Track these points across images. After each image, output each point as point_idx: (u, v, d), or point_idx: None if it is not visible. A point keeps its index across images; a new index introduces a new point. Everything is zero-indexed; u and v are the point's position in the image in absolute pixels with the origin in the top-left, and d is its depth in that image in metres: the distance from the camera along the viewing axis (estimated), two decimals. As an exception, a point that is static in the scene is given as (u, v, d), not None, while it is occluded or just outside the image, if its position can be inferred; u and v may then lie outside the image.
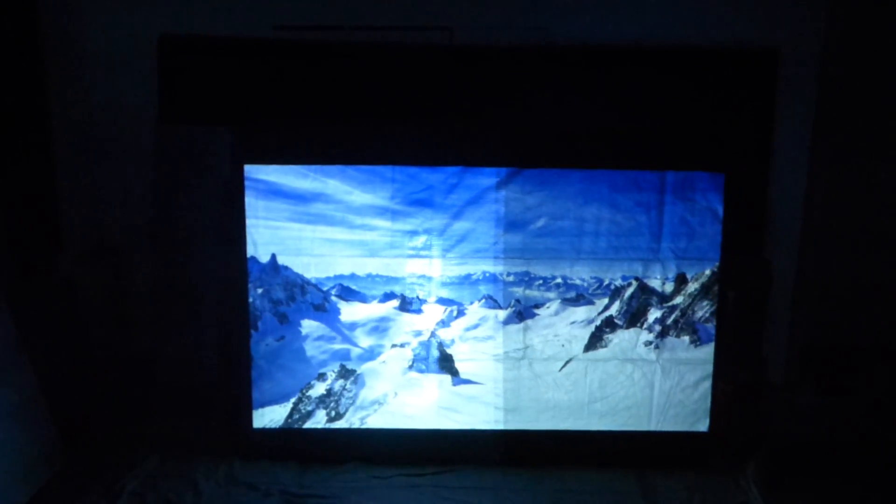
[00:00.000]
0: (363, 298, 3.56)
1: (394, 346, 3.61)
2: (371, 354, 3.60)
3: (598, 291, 3.55)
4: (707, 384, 3.56)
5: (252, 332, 3.49)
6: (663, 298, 3.54)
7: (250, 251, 3.45)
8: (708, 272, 3.48)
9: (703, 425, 3.61)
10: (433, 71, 3.50)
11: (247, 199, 3.41)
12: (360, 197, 3.45)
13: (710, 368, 3.54)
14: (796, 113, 3.51)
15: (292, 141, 3.49)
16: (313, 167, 3.41)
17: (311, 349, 3.56)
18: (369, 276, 3.53)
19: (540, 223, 3.49)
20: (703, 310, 3.52)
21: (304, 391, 3.57)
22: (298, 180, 3.41)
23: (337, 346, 3.58)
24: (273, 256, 3.48)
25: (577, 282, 3.54)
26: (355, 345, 3.59)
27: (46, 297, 3.43)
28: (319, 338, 3.58)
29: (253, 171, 3.40)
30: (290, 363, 3.56)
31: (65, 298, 3.52)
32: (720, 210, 3.44)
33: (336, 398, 3.59)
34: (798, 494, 3.32)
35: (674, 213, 3.46)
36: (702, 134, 3.51)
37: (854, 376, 3.57)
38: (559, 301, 3.56)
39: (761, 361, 3.67)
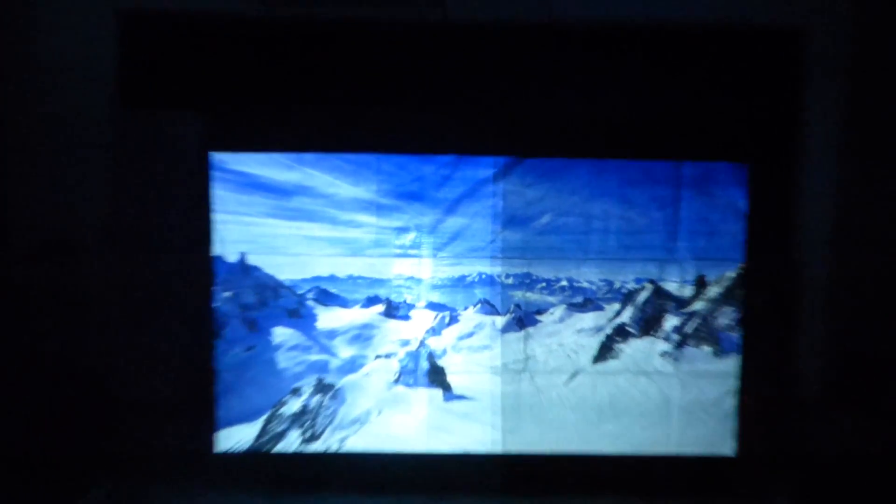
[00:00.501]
0: (344, 303, 3.28)
1: (378, 356, 3.32)
2: (352, 366, 3.31)
3: (608, 295, 3.30)
4: (731, 400, 3.35)
5: (217, 340, 3.25)
6: (681, 303, 3.30)
7: (217, 250, 3.24)
8: (731, 274, 3.27)
9: (727, 448, 3.39)
10: (424, 50, 3.27)
11: (215, 192, 3.21)
12: (341, 189, 3.23)
13: (734, 382, 3.34)
14: (827, 97, 3.29)
15: (266, 127, 3.29)
16: (290, 155, 3.22)
17: (284, 360, 3.27)
18: (351, 277, 3.26)
19: (542, 219, 3.29)
20: (726, 316, 3.29)
21: (275, 408, 3.27)
22: (273, 171, 3.20)
23: (313, 357, 3.29)
24: (242, 256, 3.23)
25: (585, 285, 3.29)
26: (334, 355, 3.30)
27: None
28: (294, 347, 3.29)
29: (222, 160, 3.21)
30: (260, 376, 3.27)
31: (8, 301, 3.30)
32: (743, 205, 3.28)
33: (312, 416, 3.28)
34: None
35: (692, 209, 3.30)
36: (723, 121, 3.34)
37: None
38: (564, 306, 3.32)
39: (794, 374, 3.43)
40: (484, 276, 3.28)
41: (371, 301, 3.27)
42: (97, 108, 3.26)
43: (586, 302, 3.29)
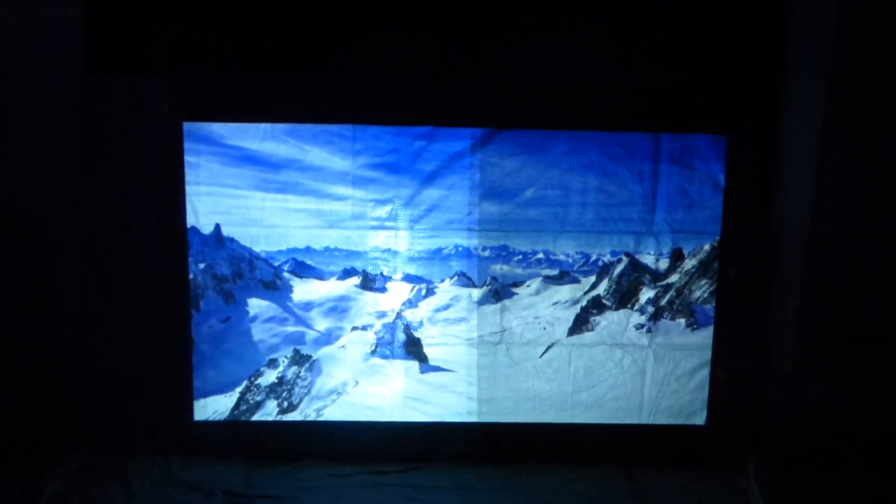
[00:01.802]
0: (320, 275, 3.33)
1: (354, 328, 3.40)
2: (328, 338, 3.39)
3: (585, 268, 3.38)
4: (705, 372, 3.48)
5: (193, 312, 3.32)
6: (657, 276, 3.39)
7: (191, 221, 3.29)
8: (707, 247, 3.35)
9: (699, 418, 3.53)
10: (399, 13, 3.28)
11: (186, 162, 3.24)
12: (317, 160, 3.25)
13: (708, 355, 3.46)
14: (809, 66, 3.31)
15: (238, 95, 3.30)
16: (262, 126, 3.23)
17: (259, 332, 3.35)
18: (327, 249, 3.30)
19: (520, 191, 3.34)
20: (701, 289, 3.39)
21: (252, 379, 3.36)
22: (247, 141, 3.21)
23: (290, 329, 3.37)
24: (217, 227, 3.28)
25: (561, 257, 3.36)
26: (310, 327, 3.37)
27: None
28: (270, 319, 3.36)
29: (194, 129, 3.23)
30: (237, 348, 3.36)
31: None
32: (722, 178, 3.35)
33: (289, 387, 3.37)
34: (805, 494, 3.25)
35: (670, 182, 3.36)
36: (702, 91, 3.37)
37: (869, 363, 3.44)
38: (540, 279, 3.39)
39: (766, 347, 3.57)
40: (461, 249, 3.33)
41: (347, 273, 3.32)
42: (64, 77, 3.25)
43: (563, 275, 3.36)
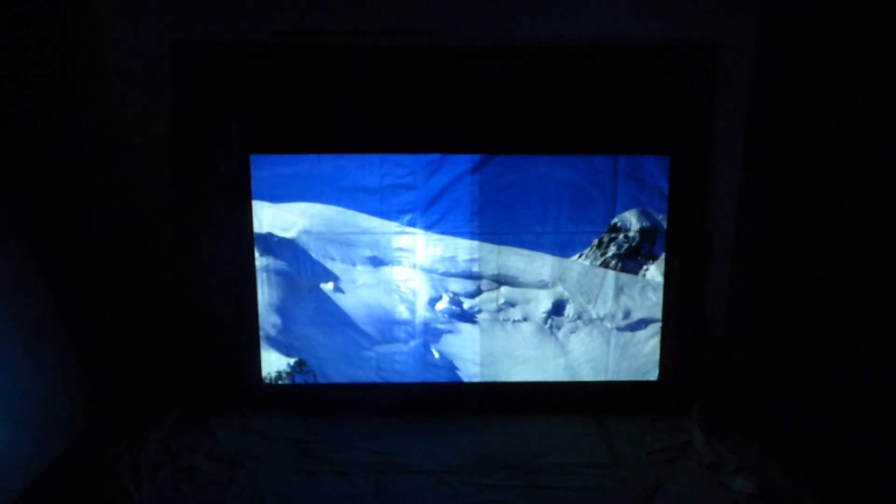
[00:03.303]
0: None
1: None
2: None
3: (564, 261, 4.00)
4: (656, 340, 3.99)
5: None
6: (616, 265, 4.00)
7: (256, 228, 3.85)
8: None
9: (653, 375, 4.04)
10: (415, 69, 3.76)
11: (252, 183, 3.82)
12: (353, 181, 3.85)
13: (658, 326, 3.98)
14: (733, 104, 3.74)
15: (292, 133, 3.83)
16: (310, 156, 3.82)
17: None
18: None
19: (510, 202, 3.88)
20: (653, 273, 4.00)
21: None
22: (298, 167, 3.83)
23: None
24: (274, 233, 3.92)
25: (546, 253, 3.98)
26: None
27: (79, 271, 3.79)
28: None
29: (257, 159, 3.80)
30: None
31: (95, 272, 3.87)
32: (666, 188, 3.85)
33: None
34: (733, 433, 3.67)
35: (626, 192, 3.86)
36: (650, 122, 3.84)
37: (784, 333, 3.89)
38: (528, 270, 4.01)
39: (703, 320, 3.98)
40: (466, 248, 3.90)
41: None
42: (160, 120, 3.76)
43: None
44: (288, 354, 4.02)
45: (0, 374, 3.20)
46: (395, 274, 3.99)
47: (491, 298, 4.01)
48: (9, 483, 3.10)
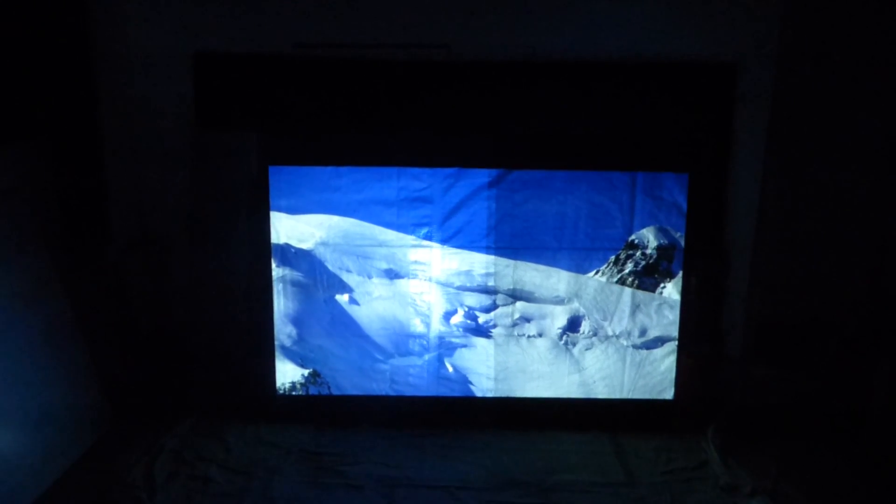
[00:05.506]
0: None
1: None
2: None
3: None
4: (672, 357, 3.96)
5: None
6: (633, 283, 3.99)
7: (273, 238, 3.88)
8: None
9: (668, 394, 4.00)
10: (433, 83, 3.81)
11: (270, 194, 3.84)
12: (371, 194, 3.88)
13: (675, 344, 3.95)
14: (752, 121, 3.76)
15: (310, 145, 3.87)
16: (328, 168, 3.84)
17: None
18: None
19: (527, 218, 3.88)
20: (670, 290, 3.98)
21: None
22: (317, 178, 3.86)
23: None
24: (293, 244, 3.95)
25: (562, 269, 3.97)
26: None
27: (97, 280, 3.82)
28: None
29: (276, 170, 3.82)
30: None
31: (113, 281, 3.90)
32: (684, 206, 3.83)
33: None
34: (750, 454, 3.63)
35: (644, 209, 3.85)
36: (669, 139, 3.86)
37: (802, 350, 3.87)
38: (543, 285, 4.00)
39: (720, 337, 3.98)
40: (482, 262, 3.91)
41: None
42: (180, 131, 3.82)
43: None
44: (302, 365, 4.03)
45: (16, 380, 3.23)
46: (411, 287, 4.00)
47: (506, 313, 4.02)
48: (23, 490, 3.12)
